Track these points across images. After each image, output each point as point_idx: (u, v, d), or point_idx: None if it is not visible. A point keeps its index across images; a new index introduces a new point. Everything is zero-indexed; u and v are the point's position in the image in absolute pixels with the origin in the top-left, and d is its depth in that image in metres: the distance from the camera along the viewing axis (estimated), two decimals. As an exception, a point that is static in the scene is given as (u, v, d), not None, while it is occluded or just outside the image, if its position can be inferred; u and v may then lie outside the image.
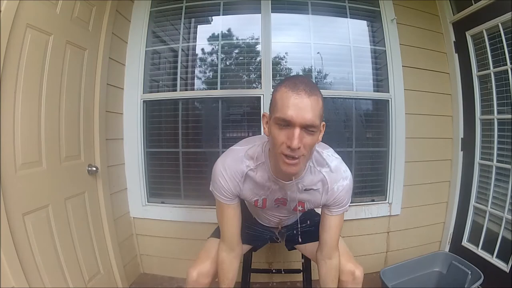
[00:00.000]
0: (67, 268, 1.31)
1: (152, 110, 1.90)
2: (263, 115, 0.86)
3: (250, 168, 0.93)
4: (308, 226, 1.23)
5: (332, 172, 0.94)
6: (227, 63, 1.95)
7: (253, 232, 1.23)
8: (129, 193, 1.88)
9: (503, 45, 1.58)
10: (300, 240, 1.15)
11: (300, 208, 1.02)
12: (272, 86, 1.80)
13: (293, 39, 1.90)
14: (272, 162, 0.90)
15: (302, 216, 1.23)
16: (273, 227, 1.23)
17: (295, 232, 1.21)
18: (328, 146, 1.01)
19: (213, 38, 1.92)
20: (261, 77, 1.82)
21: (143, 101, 1.87)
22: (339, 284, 1.06)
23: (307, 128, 0.75)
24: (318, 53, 1.88)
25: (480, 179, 1.83)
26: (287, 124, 0.75)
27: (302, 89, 0.74)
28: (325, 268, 1.04)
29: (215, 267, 1.06)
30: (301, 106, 0.73)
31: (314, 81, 1.80)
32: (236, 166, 0.93)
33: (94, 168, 1.52)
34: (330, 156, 0.95)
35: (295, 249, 1.29)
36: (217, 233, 1.19)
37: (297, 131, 0.74)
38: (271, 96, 0.84)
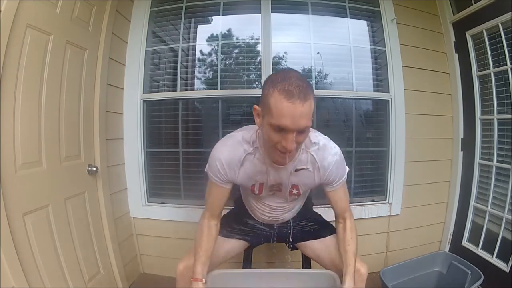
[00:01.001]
0: (67, 268, 1.31)
1: (152, 110, 1.90)
2: (254, 107, 0.87)
3: (247, 152, 0.96)
4: (306, 224, 1.23)
5: (320, 150, 0.98)
6: (227, 63, 1.95)
7: (248, 228, 1.23)
8: (129, 193, 1.88)
9: (503, 45, 1.58)
10: (291, 239, 1.20)
11: (295, 191, 1.05)
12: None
13: (293, 39, 1.90)
14: (265, 149, 0.94)
15: (299, 216, 1.24)
16: (268, 224, 1.23)
17: (294, 231, 1.22)
18: (316, 130, 1.04)
19: (213, 38, 1.93)
20: (261, 77, 1.82)
21: (143, 101, 1.86)
22: None
23: (301, 130, 0.79)
24: (318, 53, 1.88)
25: (480, 179, 1.83)
26: (282, 129, 0.78)
27: (297, 97, 0.74)
28: (342, 229, 1.07)
29: None
30: (296, 115, 0.75)
31: (311, 80, 1.85)
32: (234, 150, 0.96)
33: (94, 168, 1.52)
34: (318, 136, 1.00)
35: (297, 248, 1.29)
36: None
37: (292, 135, 0.78)
38: (262, 91, 0.84)
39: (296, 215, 1.24)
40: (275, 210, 1.15)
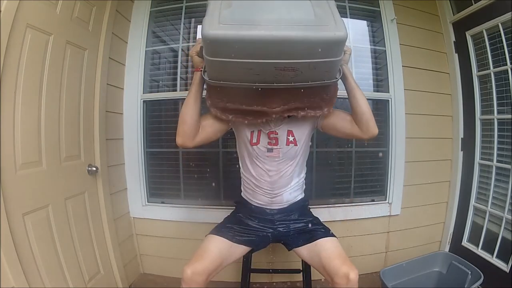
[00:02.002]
0: (67, 268, 1.31)
1: (152, 110, 1.90)
2: None
3: None
4: (302, 225, 1.23)
5: None
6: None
7: (250, 230, 1.23)
8: (129, 193, 1.88)
9: (503, 45, 1.58)
10: (289, 240, 1.20)
11: (291, 138, 1.17)
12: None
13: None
14: None
15: (297, 214, 1.25)
16: (269, 219, 1.24)
17: (291, 233, 1.22)
18: None
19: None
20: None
21: (143, 101, 1.86)
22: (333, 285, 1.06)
23: None
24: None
25: (480, 179, 1.83)
26: None
27: None
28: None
29: (211, 265, 1.07)
30: None
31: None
32: None
33: (94, 168, 1.52)
34: None
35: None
36: (215, 231, 1.19)
37: None
38: None
39: (294, 213, 1.25)
40: (273, 179, 1.19)
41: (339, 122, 1.16)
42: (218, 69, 0.91)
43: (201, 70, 1.03)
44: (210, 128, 1.14)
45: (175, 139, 1.09)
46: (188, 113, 1.07)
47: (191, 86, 1.09)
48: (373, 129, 1.09)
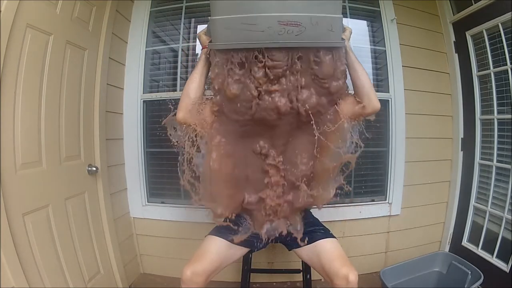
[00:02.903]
0: (67, 268, 1.31)
1: (152, 110, 1.90)
2: None
3: None
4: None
5: None
6: (227, 63, 1.95)
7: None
8: (129, 193, 1.88)
9: (503, 45, 1.58)
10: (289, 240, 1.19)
11: None
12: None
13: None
14: None
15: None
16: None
17: (292, 235, 1.21)
18: None
19: (213, 38, 1.92)
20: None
21: (143, 101, 1.86)
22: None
23: None
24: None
25: (480, 179, 1.83)
26: None
27: None
28: None
29: (210, 266, 1.06)
30: None
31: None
32: None
33: (94, 168, 1.52)
34: None
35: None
36: (214, 231, 1.19)
37: None
38: None
39: None
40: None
41: (344, 107, 1.12)
42: (224, 29, 0.93)
43: (207, 47, 1.03)
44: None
45: (176, 114, 1.10)
46: (193, 87, 1.06)
47: (197, 62, 1.09)
48: (375, 102, 1.05)
